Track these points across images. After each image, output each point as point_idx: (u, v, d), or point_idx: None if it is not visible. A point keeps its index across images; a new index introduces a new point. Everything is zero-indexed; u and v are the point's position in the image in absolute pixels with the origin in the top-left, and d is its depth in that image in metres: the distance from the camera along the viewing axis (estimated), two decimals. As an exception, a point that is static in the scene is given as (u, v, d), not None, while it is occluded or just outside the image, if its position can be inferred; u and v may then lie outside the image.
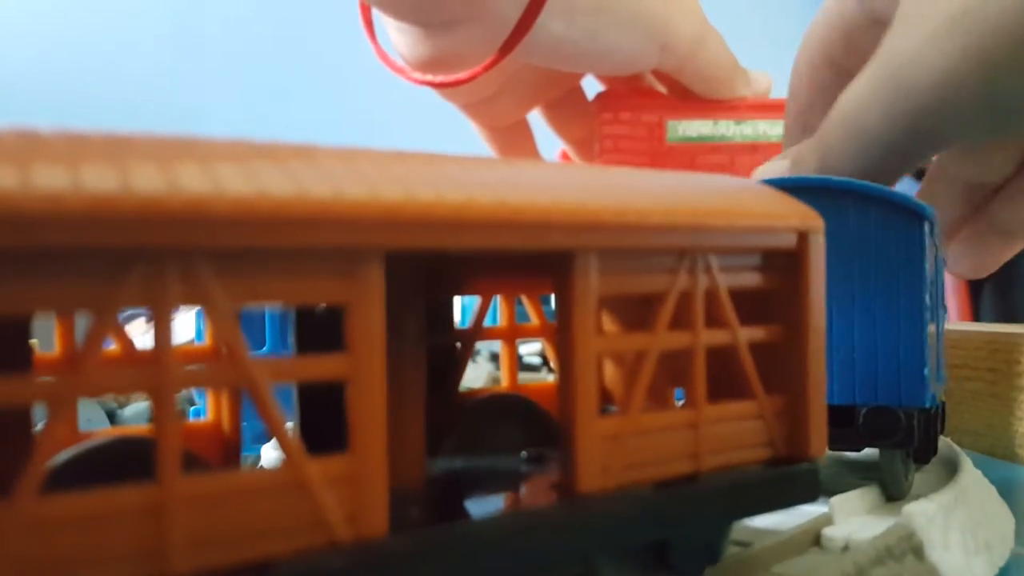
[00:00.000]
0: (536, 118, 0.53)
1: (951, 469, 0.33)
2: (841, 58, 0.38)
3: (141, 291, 0.13)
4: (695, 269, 0.20)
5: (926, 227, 0.28)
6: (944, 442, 0.36)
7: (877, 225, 0.28)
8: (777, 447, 0.21)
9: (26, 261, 0.12)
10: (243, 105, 1.26)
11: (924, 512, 0.26)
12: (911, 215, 0.28)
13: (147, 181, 0.13)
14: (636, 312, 0.22)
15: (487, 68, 0.42)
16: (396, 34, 0.45)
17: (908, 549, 0.25)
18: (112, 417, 0.45)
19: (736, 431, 0.21)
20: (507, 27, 0.40)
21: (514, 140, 0.52)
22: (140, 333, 0.68)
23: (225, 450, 0.21)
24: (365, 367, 0.15)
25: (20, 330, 0.17)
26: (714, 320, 0.21)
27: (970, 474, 0.31)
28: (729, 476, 0.21)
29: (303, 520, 0.15)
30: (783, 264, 0.22)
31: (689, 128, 0.47)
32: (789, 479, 0.22)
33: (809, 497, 0.22)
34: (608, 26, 0.42)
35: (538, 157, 0.54)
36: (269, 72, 1.28)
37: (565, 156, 0.55)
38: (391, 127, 1.09)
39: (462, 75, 0.42)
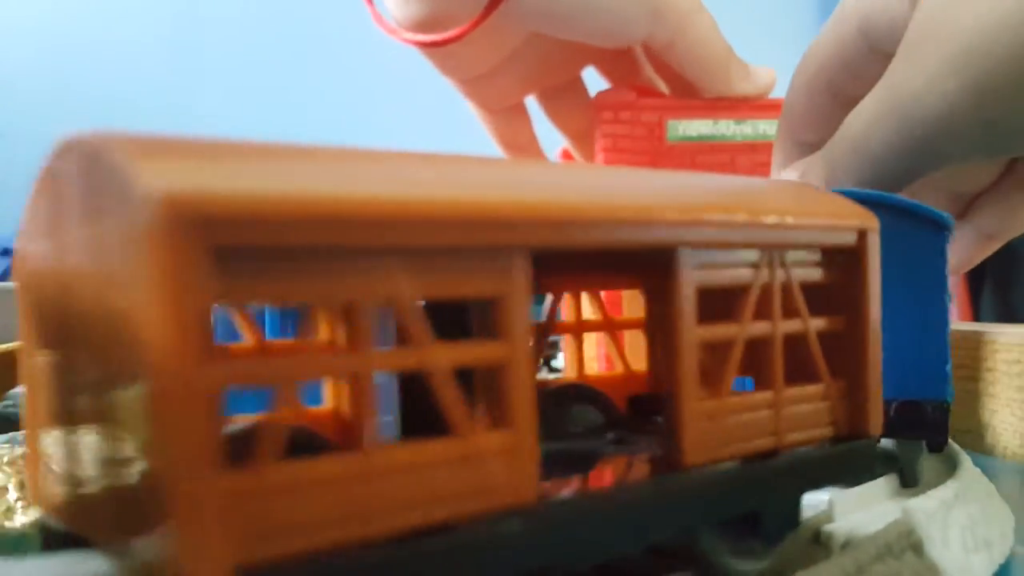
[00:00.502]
0: (536, 115, 0.53)
1: (951, 467, 0.33)
2: (840, 83, 0.38)
3: (360, 285, 0.15)
4: (774, 264, 0.22)
5: (947, 236, 0.30)
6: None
7: (906, 234, 0.30)
8: (840, 426, 0.24)
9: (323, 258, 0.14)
10: (244, 105, 1.26)
11: (924, 509, 0.27)
12: (936, 225, 0.30)
13: (372, 186, 0.15)
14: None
15: (475, 25, 0.42)
16: None
17: (908, 546, 0.25)
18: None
19: (807, 411, 0.23)
20: None
21: (512, 124, 0.52)
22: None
23: (344, 435, 0.22)
24: (519, 352, 0.17)
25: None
26: (787, 311, 0.23)
27: (970, 472, 0.32)
28: (803, 452, 0.23)
29: (477, 486, 0.17)
30: (844, 260, 0.24)
31: (689, 128, 0.47)
32: (851, 455, 0.24)
33: (867, 472, 0.26)
34: None
35: (536, 144, 0.54)
36: (270, 72, 1.28)
37: (567, 155, 0.55)
38: (392, 127, 1.09)
39: (451, 33, 0.42)
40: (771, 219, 0.22)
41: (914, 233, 0.30)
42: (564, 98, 0.52)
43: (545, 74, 0.50)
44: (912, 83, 0.31)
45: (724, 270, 0.21)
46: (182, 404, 0.12)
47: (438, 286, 0.16)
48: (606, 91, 0.48)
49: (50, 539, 0.17)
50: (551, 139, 0.54)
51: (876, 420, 0.25)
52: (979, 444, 0.44)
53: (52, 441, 0.16)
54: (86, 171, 0.15)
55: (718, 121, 0.47)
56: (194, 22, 1.31)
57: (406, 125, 1.03)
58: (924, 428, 0.30)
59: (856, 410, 0.25)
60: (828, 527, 0.26)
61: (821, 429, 0.24)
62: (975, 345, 0.44)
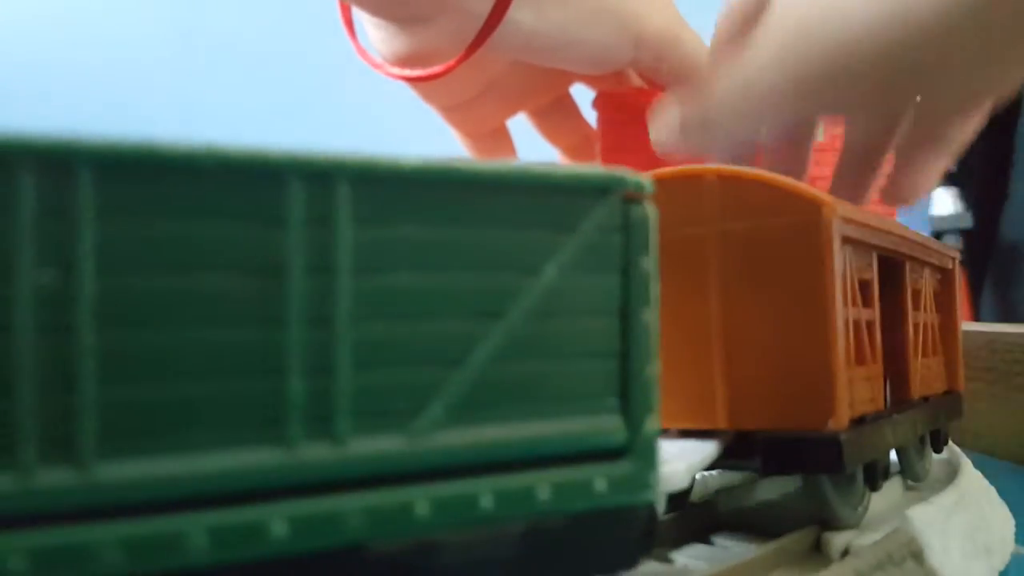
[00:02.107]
0: (522, 127, 0.53)
1: (951, 471, 0.33)
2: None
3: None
4: (923, 276, 0.32)
5: None
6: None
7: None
8: (946, 383, 0.34)
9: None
10: (245, 105, 1.25)
11: (924, 517, 0.27)
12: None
13: None
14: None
15: (460, 61, 0.42)
16: (373, 30, 0.45)
17: (908, 554, 0.25)
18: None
19: (935, 373, 0.33)
20: (479, 21, 0.41)
21: (494, 147, 0.52)
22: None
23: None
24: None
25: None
26: (920, 308, 0.32)
27: (970, 477, 0.32)
28: (936, 399, 0.33)
29: (868, 397, 0.25)
30: (944, 278, 0.35)
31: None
32: (955, 401, 0.35)
33: (960, 414, 0.35)
34: (577, 18, 0.42)
35: None
36: (271, 71, 1.28)
37: None
38: (396, 127, 1.09)
39: (437, 68, 0.43)
40: (933, 246, 0.33)
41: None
42: (554, 115, 0.52)
43: (529, 97, 0.50)
44: (755, 62, 0.35)
45: (918, 279, 0.31)
46: (838, 329, 0.22)
47: None
48: (606, 92, 0.48)
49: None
50: (536, 151, 0.54)
51: (961, 381, 0.35)
52: (980, 445, 0.44)
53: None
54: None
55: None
56: (196, 21, 1.31)
57: (411, 125, 1.03)
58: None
59: (952, 374, 0.35)
60: (828, 534, 0.26)
61: (940, 384, 0.33)
62: (975, 345, 0.44)
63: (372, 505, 0.14)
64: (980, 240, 0.81)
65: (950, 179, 0.83)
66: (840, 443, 0.22)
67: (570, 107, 0.52)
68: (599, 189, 0.16)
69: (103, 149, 0.12)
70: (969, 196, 0.83)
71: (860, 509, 0.27)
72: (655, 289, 0.17)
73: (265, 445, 0.13)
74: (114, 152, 0.12)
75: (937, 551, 0.26)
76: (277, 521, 0.13)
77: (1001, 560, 0.28)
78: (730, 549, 0.25)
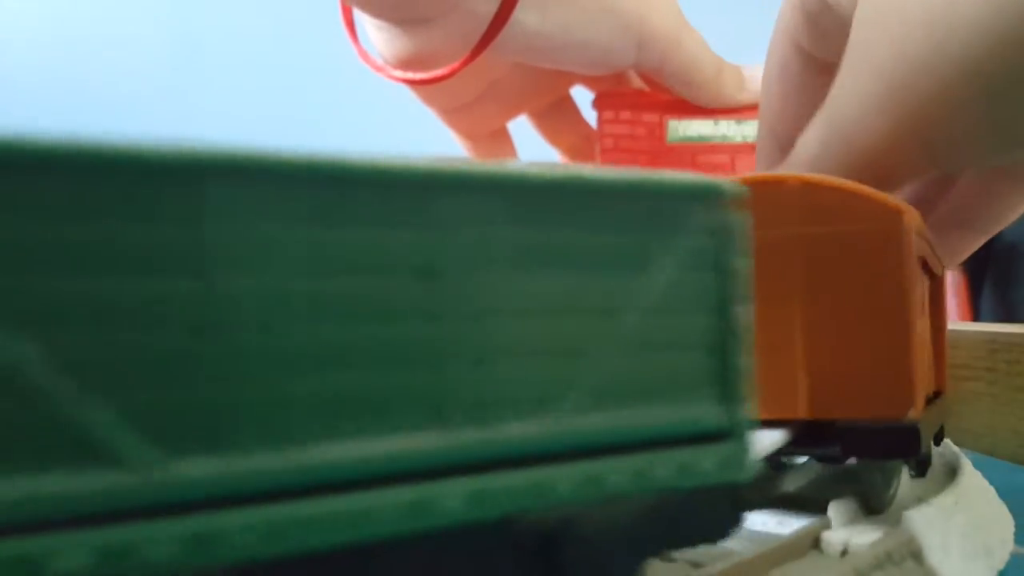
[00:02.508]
0: (522, 128, 0.53)
1: (951, 471, 0.33)
2: (808, 44, 0.36)
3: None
4: (926, 281, 0.31)
5: None
6: (944, 443, 0.36)
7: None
8: (935, 384, 0.33)
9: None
10: (245, 105, 1.25)
11: (924, 516, 0.27)
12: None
13: None
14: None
15: (465, 63, 0.42)
16: (375, 32, 0.45)
17: (907, 554, 0.25)
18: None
19: (931, 375, 0.31)
20: (483, 23, 0.41)
21: (495, 149, 0.52)
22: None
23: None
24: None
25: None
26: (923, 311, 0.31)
27: (970, 477, 0.31)
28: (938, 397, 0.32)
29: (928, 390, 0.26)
30: (935, 282, 0.33)
31: (689, 128, 0.47)
32: (945, 401, 0.34)
33: (950, 414, 0.36)
34: (581, 19, 0.42)
35: None
36: (272, 72, 1.28)
37: None
38: (398, 126, 1.09)
39: (441, 71, 0.42)
40: (936, 252, 0.32)
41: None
42: (554, 116, 0.52)
43: (530, 99, 0.50)
44: (850, 111, 0.31)
45: (924, 283, 0.30)
46: (916, 327, 0.24)
47: None
48: (607, 91, 0.48)
49: None
50: (537, 152, 0.54)
51: (946, 382, 0.34)
52: (980, 445, 0.44)
53: None
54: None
55: (719, 121, 0.47)
56: (197, 21, 1.31)
57: (412, 124, 1.03)
58: None
59: (941, 375, 0.34)
60: (827, 533, 0.26)
61: (937, 384, 0.33)
62: (975, 345, 0.44)
63: (522, 482, 0.16)
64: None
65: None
66: (918, 430, 0.24)
67: (570, 108, 0.52)
68: (700, 195, 0.18)
69: (322, 165, 0.14)
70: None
71: (892, 492, 0.28)
72: (748, 288, 0.18)
73: (433, 429, 0.15)
74: (316, 168, 0.14)
75: (937, 551, 0.26)
76: (449, 497, 0.15)
77: (1000, 560, 0.27)
78: (728, 547, 0.25)
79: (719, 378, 0.18)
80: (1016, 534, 0.29)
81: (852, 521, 0.27)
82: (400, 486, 0.14)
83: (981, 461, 0.34)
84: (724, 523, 0.19)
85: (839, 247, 0.24)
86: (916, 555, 0.25)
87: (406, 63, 0.44)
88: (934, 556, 0.25)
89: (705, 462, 0.18)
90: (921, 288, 0.28)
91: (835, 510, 0.27)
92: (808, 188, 0.25)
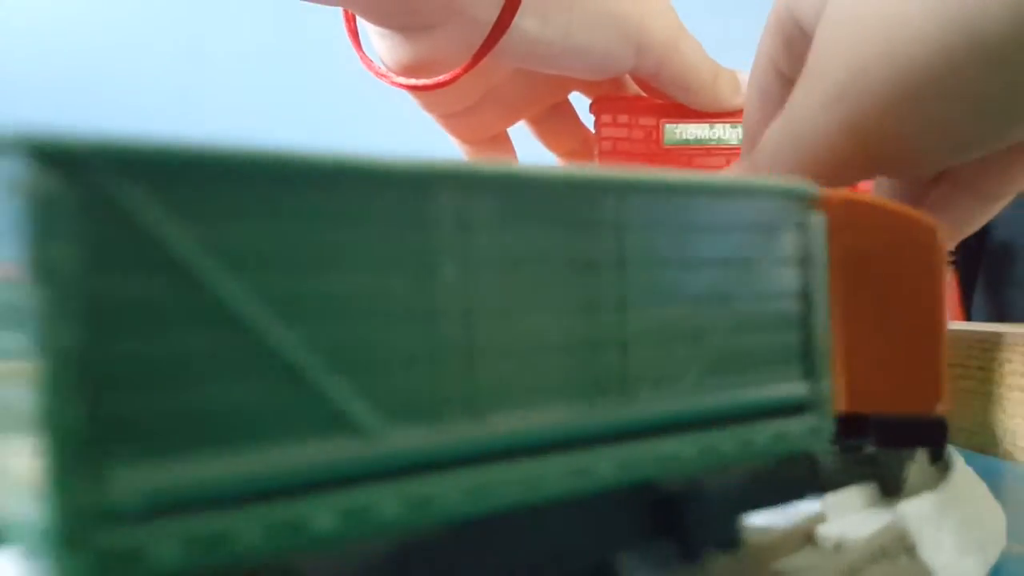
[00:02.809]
0: (521, 133, 0.53)
1: (944, 468, 0.33)
2: (786, 68, 0.37)
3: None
4: None
5: None
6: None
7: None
8: None
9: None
10: (245, 106, 1.25)
11: (918, 511, 0.27)
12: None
13: None
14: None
15: (467, 69, 0.42)
16: (377, 39, 0.45)
17: (901, 548, 0.25)
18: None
19: None
20: (485, 29, 0.41)
21: (494, 155, 0.52)
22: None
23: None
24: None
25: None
26: None
27: (963, 473, 0.32)
28: None
29: None
30: None
31: (686, 131, 0.47)
32: None
33: None
34: (581, 25, 0.43)
35: None
36: (272, 73, 1.28)
37: None
38: (400, 126, 1.09)
39: (442, 77, 0.43)
40: None
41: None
42: (553, 121, 0.52)
43: (528, 105, 0.50)
44: (801, 111, 0.32)
45: None
46: (946, 331, 0.26)
47: None
48: (604, 96, 0.48)
49: None
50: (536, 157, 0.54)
51: None
52: (972, 443, 0.45)
53: None
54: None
55: (714, 125, 0.48)
56: (196, 23, 1.31)
57: (413, 124, 1.03)
58: None
59: None
60: (821, 528, 0.26)
61: None
62: (967, 344, 0.45)
63: (656, 452, 0.18)
64: (972, 240, 0.81)
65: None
66: (945, 423, 0.27)
67: (569, 113, 0.52)
68: (791, 196, 0.21)
69: (504, 176, 0.16)
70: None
71: (906, 477, 0.30)
72: (827, 278, 0.21)
73: (590, 405, 0.17)
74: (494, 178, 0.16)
75: (930, 545, 0.26)
76: (602, 463, 0.17)
77: (993, 555, 0.28)
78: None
79: (805, 357, 0.21)
80: (1008, 530, 0.30)
81: (846, 515, 0.28)
82: (563, 455, 0.17)
83: (973, 458, 0.35)
84: (804, 486, 0.23)
85: (877, 259, 0.26)
86: (910, 549, 0.26)
87: (408, 70, 0.44)
88: (927, 550, 0.26)
89: (794, 431, 0.21)
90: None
91: (830, 504, 0.28)
92: (850, 205, 0.26)
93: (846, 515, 0.28)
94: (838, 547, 0.25)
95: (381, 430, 0.14)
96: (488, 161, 0.16)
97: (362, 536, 0.14)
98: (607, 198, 0.18)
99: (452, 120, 0.50)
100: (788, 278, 0.21)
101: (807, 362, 0.21)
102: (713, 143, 0.48)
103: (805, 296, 0.21)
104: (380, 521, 0.14)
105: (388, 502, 0.14)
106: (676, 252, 0.19)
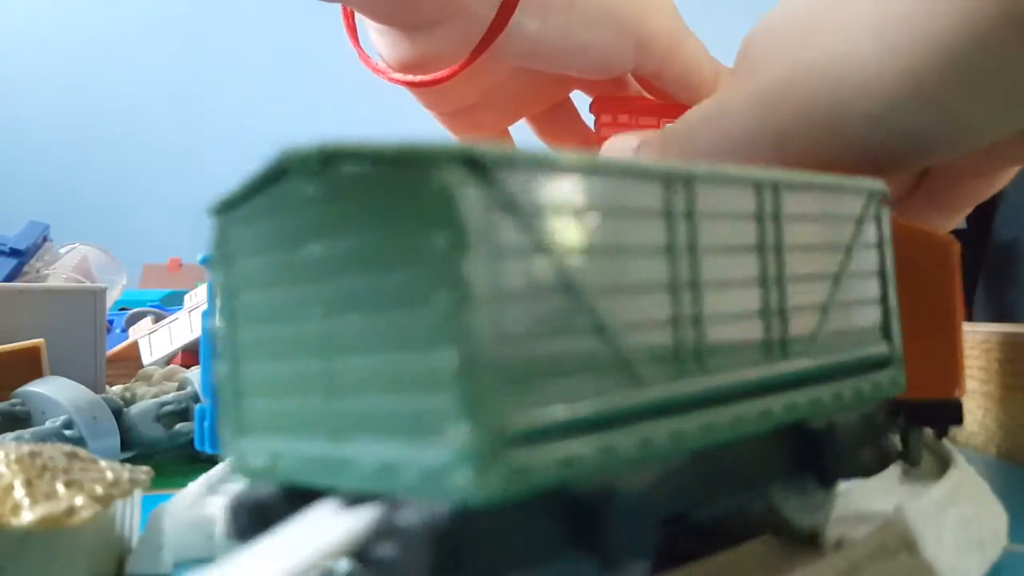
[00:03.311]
0: (523, 132, 0.53)
1: (944, 466, 0.33)
2: None
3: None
4: None
5: None
6: (937, 441, 0.37)
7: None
8: None
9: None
10: (245, 107, 1.25)
11: (918, 509, 0.27)
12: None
13: None
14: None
15: (463, 66, 0.42)
16: (376, 36, 0.45)
17: (902, 547, 0.25)
18: (118, 414, 0.45)
19: None
20: (484, 27, 0.41)
21: None
22: (145, 331, 0.68)
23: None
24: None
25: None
26: None
27: (963, 471, 0.32)
28: None
29: None
30: None
31: (687, 130, 0.47)
32: None
33: None
34: (581, 22, 0.42)
35: None
36: (271, 73, 1.28)
37: None
38: (401, 126, 1.09)
39: (439, 74, 0.43)
40: None
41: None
42: (554, 120, 0.52)
43: (528, 103, 0.50)
44: (730, 107, 0.34)
45: None
46: (961, 328, 0.31)
47: None
48: (604, 95, 0.48)
49: None
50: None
51: None
52: (973, 442, 0.45)
53: None
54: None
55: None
56: (196, 25, 1.30)
57: (414, 124, 1.03)
58: None
59: None
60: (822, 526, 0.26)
61: None
62: (968, 345, 0.45)
63: (807, 398, 0.23)
64: (974, 240, 0.81)
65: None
66: (961, 405, 0.32)
67: (570, 111, 0.52)
68: (874, 192, 0.26)
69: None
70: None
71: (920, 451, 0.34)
72: (893, 260, 0.27)
73: (764, 360, 0.22)
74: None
75: (931, 543, 0.26)
76: (776, 407, 0.22)
77: (993, 554, 0.28)
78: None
79: (885, 322, 0.26)
80: (1008, 530, 0.30)
81: (846, 514, 0.28)
82: (753, 400, 0.21)
83: (974, 458, 0.35)
84: (888, 425, 0.27)
85: (904, 268, 0.29)
86: (910, 548, 0.26)
87: (408, 67, 0.44)
88: (928, 549, 0.26)
89: (883, 382, 0.26)
90: None
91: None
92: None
93: (846, 514, 0.28)
94: (839, 545, 0.25)
95: (652, 380, 0.19)
96: (704, 164, 0.20)
97: (647, 460, 0.18)
98: (769, 193, 0.22)
99: (452, 118, 0.50)
100: (872, 260, 0.26)
101: (886, 326, 0.26)
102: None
103: (883, 274, 0.26)
104: (657, 449, 0.18)
105: (660, 435, 0.18)
106: (809, 239, 0.23)
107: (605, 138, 0.48)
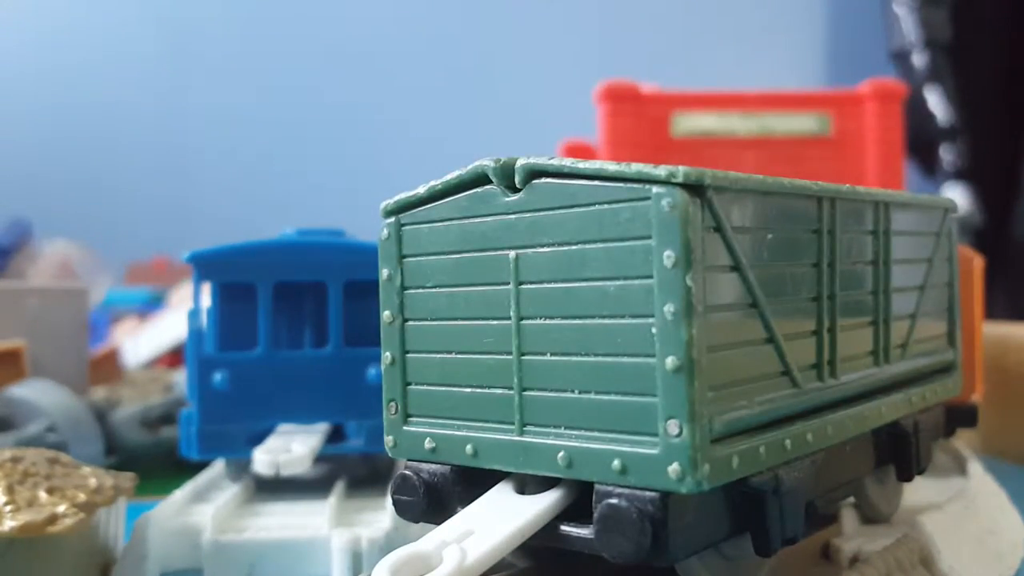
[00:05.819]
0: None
1: (960, 476, 0.33)
2: None
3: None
4: None
5: None
6: (953, 448, 0.36)
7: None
8: None
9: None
10: (231, 106, 1.24)
11: (934, 523, 0.26)
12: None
13: None
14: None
15: None
16: None
17: (918, 560, 0.25)
18: (102, 418, 0.44)
19: None
20: None
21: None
22: (131, 329, 0.67)
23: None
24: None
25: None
26: None
27: (980, 481, 0.31)
28: None
29: None
30: None
31: (695, 122, 0.46)
32: None
33: None
34: None
35: None
36: (258, 73, 1.27)
37: (571, 150, 0.53)
38: (398, 128, 1.08)
39: None
40: None
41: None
42: None
43: None
44: None
45: None
46: (982, 336, 0.35)
47: None
48: (610, 84, 0.47)
49: None
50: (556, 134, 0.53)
51: None
52: (991, 448, 0.44)
53: None
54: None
55: (724, 115, 0.46)
56: (186, 21, 1.30)
57: (412, 126, 1.03)
58: None
59: None
60: (836, 540, 0.25)
61: None
62: (986, 345, 0.43)
63: (901, 399, 0.25)
64: (992, 239, 0.80)
65: (962, 177, 0.82)
66: (977, 409, 0.33)
67: None
68: (948, 207, 0.28)
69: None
70: (980, 194, 0.83)
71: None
72: (957, 272, 0.29)
73: (873, 365, 0.24)
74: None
75: (947, 557, 0.25)
76: (883, 406, 0.24)
77: (1011, 566, 0.27)
78: (737, 557, 0.24)
79: (951, 330, 0.28)
80: (1026, 539, 0.29)
81: (862, 528, 0.27)
82: (866, 401, 0.23)
83: (992, 464, 0.34)
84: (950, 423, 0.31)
85: None
86: (926, 561, 0.25)
87: None
88: (945, 562, 0.25)
89: (950, 384, 0.28)
90: None
91: (846, 517, 0.27)
92: None
93: (862, 527, 0.27)
94: (854, 560, 0.24)
95: (803, 383, 0.21)
96: (844, 186, 0.23)
97: (801, 454, 0.20)
98: (882, 211, 0.24)
99: None
100: (944, 272, 0.28)
101: (951, 333, 0.28)
102: (724, 134, 0.46)
103: (951, 285, 0.28)
104: (809, 445, 0.21)
105: (810, 433, 0.21)
106: (903, 253, 0.25)
107: (608, 128, 0.46)
